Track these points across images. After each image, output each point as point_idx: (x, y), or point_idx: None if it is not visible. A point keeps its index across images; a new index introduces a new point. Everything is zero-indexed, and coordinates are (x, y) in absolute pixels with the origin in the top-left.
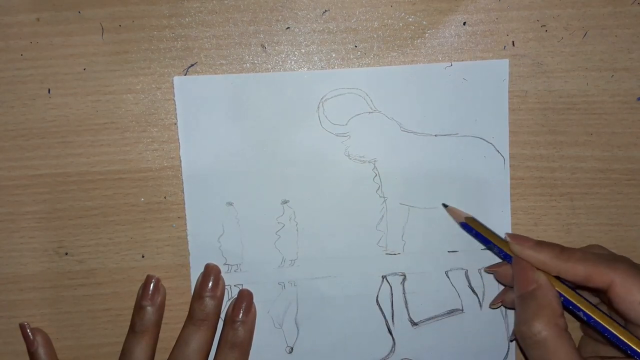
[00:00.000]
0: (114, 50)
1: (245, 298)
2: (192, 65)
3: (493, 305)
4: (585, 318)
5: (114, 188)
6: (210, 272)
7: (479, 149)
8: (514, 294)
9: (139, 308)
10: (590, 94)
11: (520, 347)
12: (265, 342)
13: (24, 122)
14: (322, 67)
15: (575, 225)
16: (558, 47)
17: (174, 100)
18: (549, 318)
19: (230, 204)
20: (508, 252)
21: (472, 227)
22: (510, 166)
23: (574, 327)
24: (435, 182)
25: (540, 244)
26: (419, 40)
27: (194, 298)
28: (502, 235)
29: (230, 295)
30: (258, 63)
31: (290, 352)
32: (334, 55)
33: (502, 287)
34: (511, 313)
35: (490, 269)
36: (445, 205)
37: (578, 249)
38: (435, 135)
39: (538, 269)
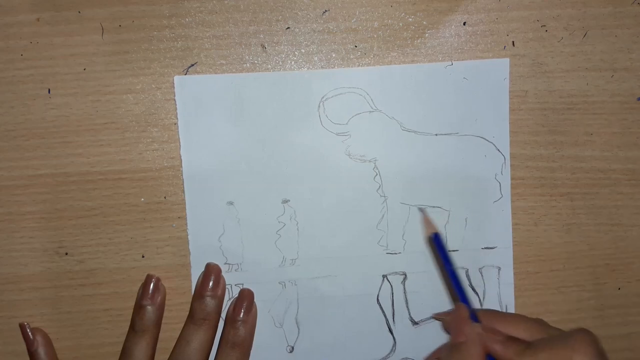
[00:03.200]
0: (114, 50)
1: (246, 297)
2: (192, 65)
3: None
4: None
5: (114, 188)
6: (211, 272)
7: (479, 148)
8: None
9: (139, 307)
10: (590, 94)
11: None
12: (265, 342)
13: (24, 122)
14: (322, 67)
15: (575, 225)
16: (558, 47)
17: (174, 100)
18: None
19: (230, 203)
20: (464, 294)
21: (442, 243)
22: (510, 166)
23: None
24: (436, 181)
25: (489, 311)
26: (419, 40)
27: (194, 297)
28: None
29: (231, 294)
30: (258, 63)
31: (291, 352)
32: (334, 55)
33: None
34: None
35: (438, 316)
36: (420, 210)
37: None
38: (436, 135)
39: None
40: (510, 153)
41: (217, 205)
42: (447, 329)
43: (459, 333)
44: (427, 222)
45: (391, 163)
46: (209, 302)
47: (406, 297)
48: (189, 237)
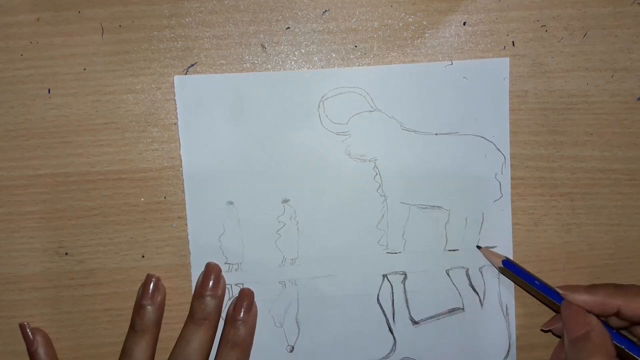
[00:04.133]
0: (114, 50)
1: (246, 297)
2: (192, 65)
3: (545, 327)
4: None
5: (114, 188)
6: (211, 272)
7: (479, 147)
8: (565, 340)
9: (139, 307)
10: (590, 94)
11: None
12: (266, 341)
13: (24, 122)
14: (322, 67)
15: (575, 225)
16: (558, 47)
17: (174, 100)
18: (603, 359)
19: (230, 203)
20: (557, 292)
21: (515, 265)
22: (510, 166)
23: None
24: (436, 181)
25: (594, 286)
26: (419, 40)
27: (194, 297)
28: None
29: (231, 294)
30: (258, 63)
31: (291, 351)
32: (334, 55)
33: (504, 288)
34: (513, 312)
35: (546, 327)
36: (479, 247)
37: (632, 284)
38: (436, 134)
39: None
40: (510, 153)
41: (217, 205)
42: (558, 334)
43: (579, 325)
44: (490, 255)
45: (391, 163)
46: (209, 301)
47: (406, 297)
48: (189, 237)
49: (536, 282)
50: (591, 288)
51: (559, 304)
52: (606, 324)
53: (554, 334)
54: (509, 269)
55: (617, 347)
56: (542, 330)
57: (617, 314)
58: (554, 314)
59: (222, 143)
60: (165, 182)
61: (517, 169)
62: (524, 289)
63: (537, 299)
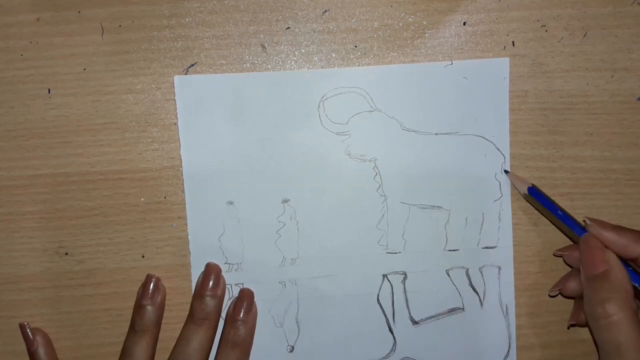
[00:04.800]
0: (114, 50)
1: (246, 297)
2: (192, 65)
3: (551, 292)
4: None
5: (114, 188)
6: (211, 272)
7: (479, 147)
8: (582, 275)
9: (139, 307)
10: (590, 94)
11: (589, 329)
12: (266, 341)
13: (24, 122)
14: (322, 67)
15: None
16: (558, 47)
17: (174, 100)
18: (623, 300)
19: (230, 203)
20: (580, 226)
21: (540, 193)
22: (510, 166)
23: None
24: (436, 181)
25: (621, 228)
26: (419, 40)
27: (194, 297)
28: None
29: (231, 294)
30: (258, 63)
31: (291, 351)
32: (334, 55)
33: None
34: (513, 312)
35: (559, 252)
36: (506, 172)
37: None
38: (436, 134)
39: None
40: (510, 153)
41: (217, 205)
42: (570, 263)
43: (597, 262)
44: (517, 179)
45: (391, 162)
46: (209, 301)
47: (406, 297)
48: (189, 237)
49: (560, 212)
50: (618, 228)
51: (580, 236)
52: (625, 263)
53: (565, 262)
54: (534, 196)
55: (635, 288)
56: (554, 254)
57: (635, 260)
58: (555, 314)
59: (222, 143)
60: (165, 182)
61: (517, 169)
62: (547, 218)
63: (559, 229)
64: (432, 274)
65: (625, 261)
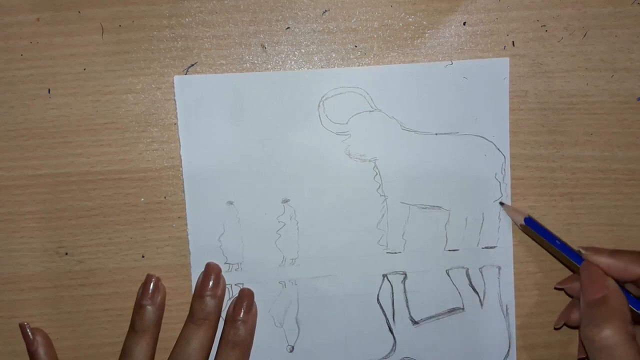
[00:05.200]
0: (114, 50)
1: (246, 297)
2: (192, 65)
3: (557, 325)
4: None
5: (114, 188)
6: (211, 272)
7: (479, 147)
8: (581, 301)
9: (139, 307)
10: (590, 94)
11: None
12: (266, 341)
13: (24, 122)
14: (322, 67)
15: (575, 225)
16: (558, 47)
17: (174, 100)
18: (620, 324)
19: (230, 203)
20: (578, 253)
21: (537, 223)
22: (510, 166)
23: None
24: (436, 181)
25: (618, 251)
26: (419, 40)
27: (194, 297)
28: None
29: (231, 294)
30: (258, 63)
31: (291, 351)
32: (334, 55)
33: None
34: (513, 312)
35: (560, 285)
36: (502, 204)
37: None
38: (436, 134)
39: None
40: (510, 153)
41: (217, 205)
42: (572, 293)
43: (596, 288)
44: (513, 212)
45: (391, 162)
46: (209, 301)
47: (406, 297)
48: (189, 237)
49: (557, 241)
50: (615, 252)
51: (579, 265)
52: (623, 288)
53: (566, 293)
54: (531, 227)
55: (632, 312)
56: (555, 288)
57: (636, 281)
58: (555, 313)
59: (222, 143)
60: (165, 182)
61: (517, 169)
62: (544, 248)
63: (557, 259)
64: (432, 274)
65: (624, 286)
